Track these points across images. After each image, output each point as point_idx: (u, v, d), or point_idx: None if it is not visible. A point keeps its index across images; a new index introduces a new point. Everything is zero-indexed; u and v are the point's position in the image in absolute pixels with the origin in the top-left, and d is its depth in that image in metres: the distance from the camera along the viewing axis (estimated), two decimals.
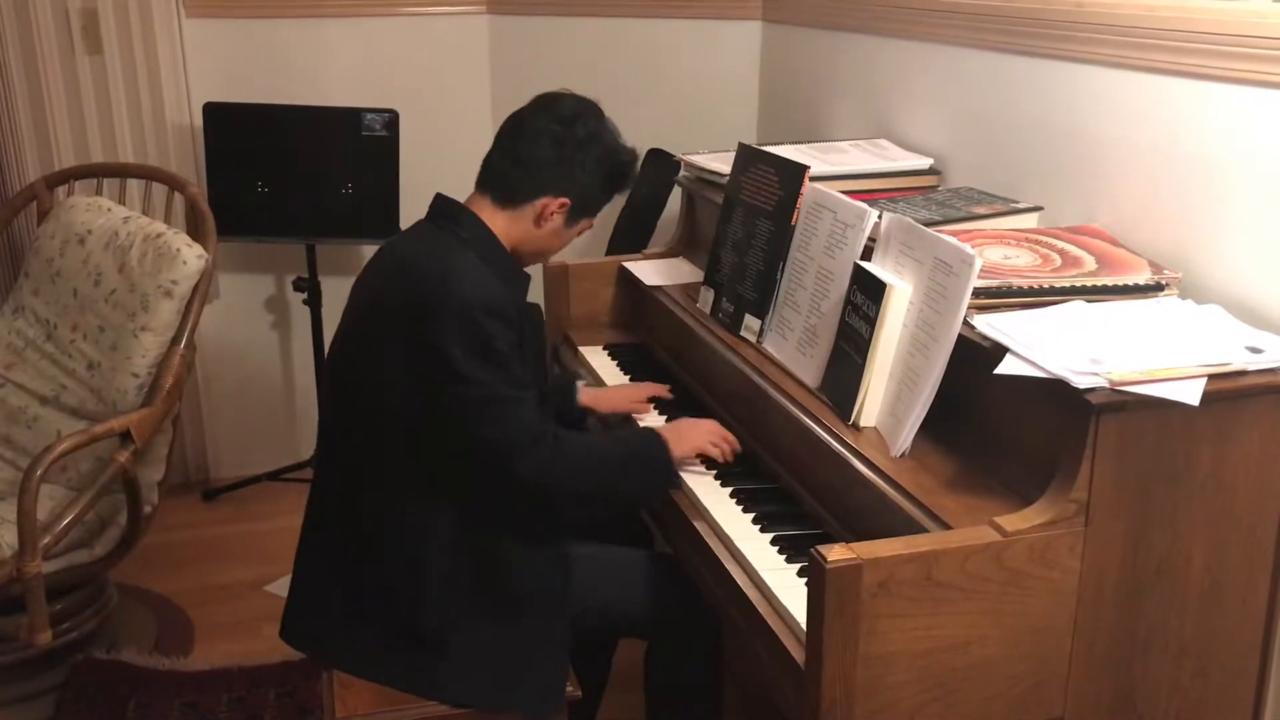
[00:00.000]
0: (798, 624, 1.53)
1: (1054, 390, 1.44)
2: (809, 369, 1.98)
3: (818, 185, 2.10)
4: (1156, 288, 1.70)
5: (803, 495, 1.90)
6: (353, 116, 3.33)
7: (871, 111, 2.67)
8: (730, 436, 2.02)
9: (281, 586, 3.03)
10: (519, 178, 1.93)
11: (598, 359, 2.57)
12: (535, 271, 2.59)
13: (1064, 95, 2.01)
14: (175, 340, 2.59)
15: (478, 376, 1.76)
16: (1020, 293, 1.68)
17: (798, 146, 2.48)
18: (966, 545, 1.41)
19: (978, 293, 1.64)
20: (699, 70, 3.32)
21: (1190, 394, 1.41)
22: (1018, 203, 2.06)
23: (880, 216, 1.90)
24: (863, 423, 1.79)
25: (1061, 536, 1.44)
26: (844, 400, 1.83)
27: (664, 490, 1.96)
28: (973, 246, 1.66)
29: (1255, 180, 1.64)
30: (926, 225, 1.80)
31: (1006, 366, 1.48)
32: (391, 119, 3.33)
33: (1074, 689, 1.52)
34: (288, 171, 3.37)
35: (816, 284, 2.01)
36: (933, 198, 2.15)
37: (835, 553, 1.36)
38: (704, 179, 2.57)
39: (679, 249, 2.77)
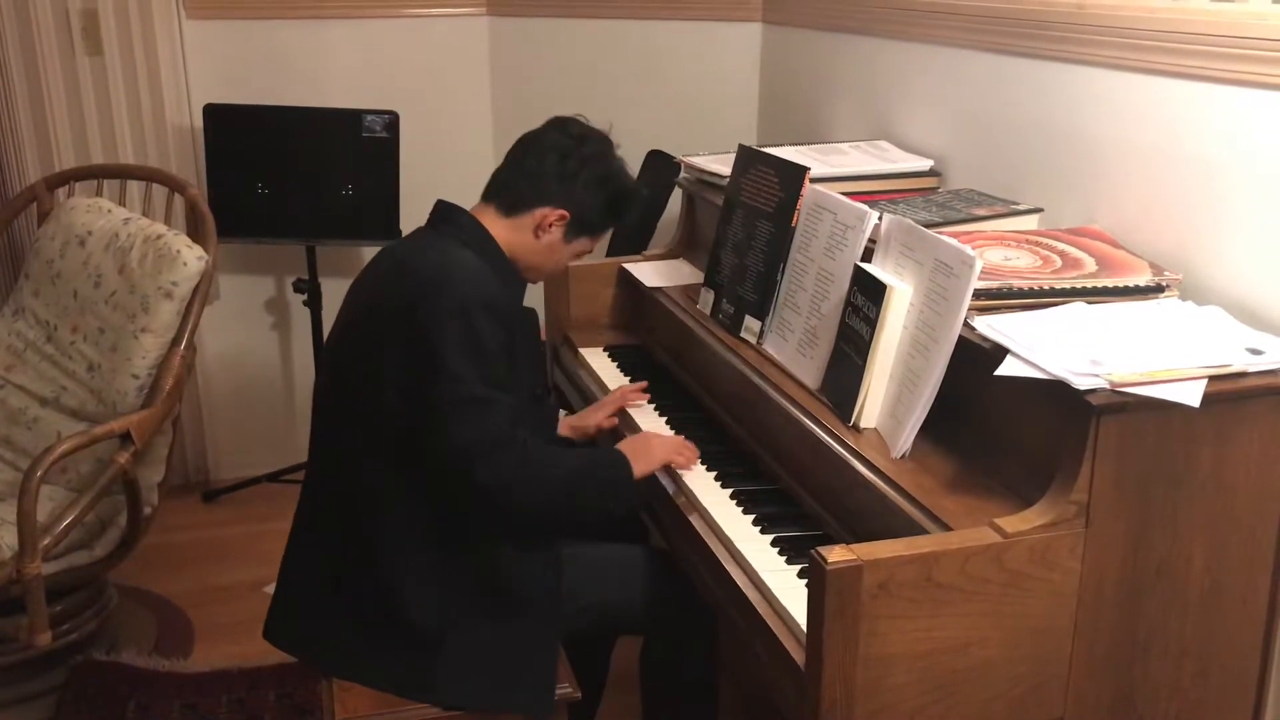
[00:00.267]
0: (798, 625, 1.53)
1: (1054, 391, 1.44)
2: (809, 370, 1.98)
3: (818, 187, 2.10)
4: (1157, 289, 1.70)
5: (803, 496, 1.90)
6: (353, 118, 3.34)
7: (872, 113, 2.67)
8: (691, 445, 2.04)
9: None
10: (522, 187, 1.98)
11: (598, 360, 2.57)
12: None
13: (1064, 97, 2.01)
14: (175, 341, 2.59)
15: (460, 372, 1.77)
16: (1020, 294, 1.68)
17: (798, 148, 2.48)
18: (967, 546, 1.41)
19: (978, 294, 1.64)
20: (699, 72, 3.32)
21: (1190, 395, 1.41)
22: (1018, 204, 2.06)
23: (880, 218, 1.90)
24: (863, 424, 1.79)
25: (1062, 538, 1.44)
26: (844, 401, 1.83)
27: (624, 508, 1.99)
28: (973, 248, 1.66)
29: (1255, 182, 1.64)
30: (927, 227, 1.80)
31: (1007, 368, 1.48)
32: (392, 120, 3.33)
33: (1074, 690, 1.52)
34: (288, 173, 3.37)
35: (817, 285, 2.01)
36: (933, 199, 2.15)
37: (836, 554, 1.36)
38: (704, 180, 2.57)
39: (679, 250, 2.77)
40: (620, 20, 3.40)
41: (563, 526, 1.98)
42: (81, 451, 2.46)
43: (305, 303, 3.46)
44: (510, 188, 1.98)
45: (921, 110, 2.48)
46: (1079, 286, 1.68)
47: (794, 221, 2.10)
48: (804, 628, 1.47)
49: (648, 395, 2.31)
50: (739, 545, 1.76)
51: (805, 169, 2.11)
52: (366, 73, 3.53)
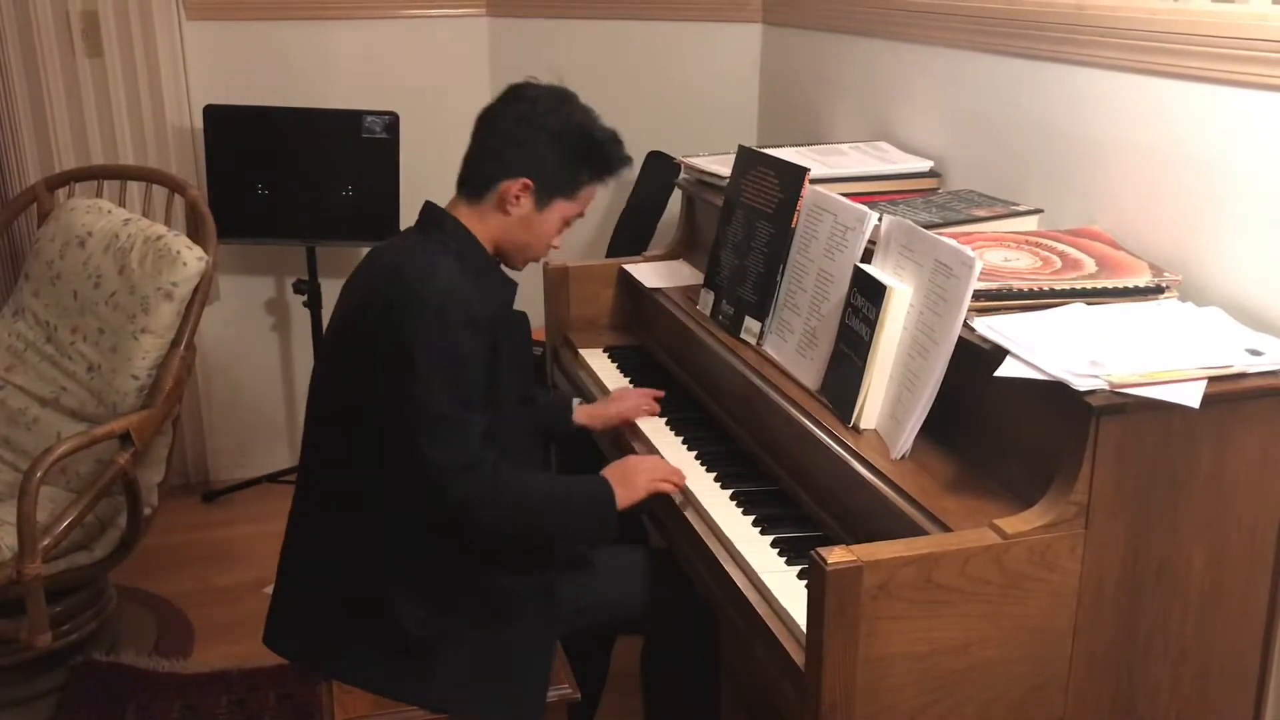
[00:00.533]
0: (798, 626, 1.53)
1: (1054, 392, 1.44)
2: (809, 371, 1.98)
3: (818, 188, 2.10)
4: (1157, 290, 1.70)
5: (803, 497, 1.90)
6: (353, 119, 3.34)
7: (871, 114, 2.67)
8: (678, 470, 1.98)
9: None
10: (481, 166, 1.92)
11: (598, 361, 2.57)
12: (535, 275, 2.60)
13: (1064, 98, 2.01)
14: (175, 342, 2.59)
15: (431, 388, 1.74)
16: (1020, 295, 1.68)
17: (798, 149, 2.48)
18: (967, 547, 1.41)
19: (978, 295, 1.64)
20: (699, 72, 3.32)
21: (1190, 396, 1.41)
22: (1018, 205, 2.06)
23: (880, 219, 1.90)
24: (863, 425, 1.79)
25: (1062, 539, 1.44)
26: (844, 402, 1.83)
27: (604, 539, 1.95)
28: (973, 249, 1.66)
29: (1255, 183, 1.64)
30: (927, 228, 1.80)
31: (1007, 369, 1.48)
32: (392, 121, 3.33)
33: (1074, 691, 1.52)
34: (288, 174, 3.37)
35: (816, 286, 2.01)
36: (933, 200, 2.15)
37: (835, 555, 1.36)
38: (704, 181, 2.57)
39: (679, 251, 2.77)
40: (620, 20, 3.40)
41: (539, 551, 1.92)
42: (81, 452, 2.46)
43: (305, 303, 3.47)
44: (473, 171, 1.93)
45: (921, 111, 2.48)
46: (1079, 287, 1.69)
47: (794, 222, 2.10)
48: (804, 628, 1.47)
49: (659, 408, 2.28)
50: (739, 546, 1.76)
51: (805, 170, 2.11)
52: (366, 73, 3.53)
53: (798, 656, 1.50)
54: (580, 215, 2.00)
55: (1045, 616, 1.47)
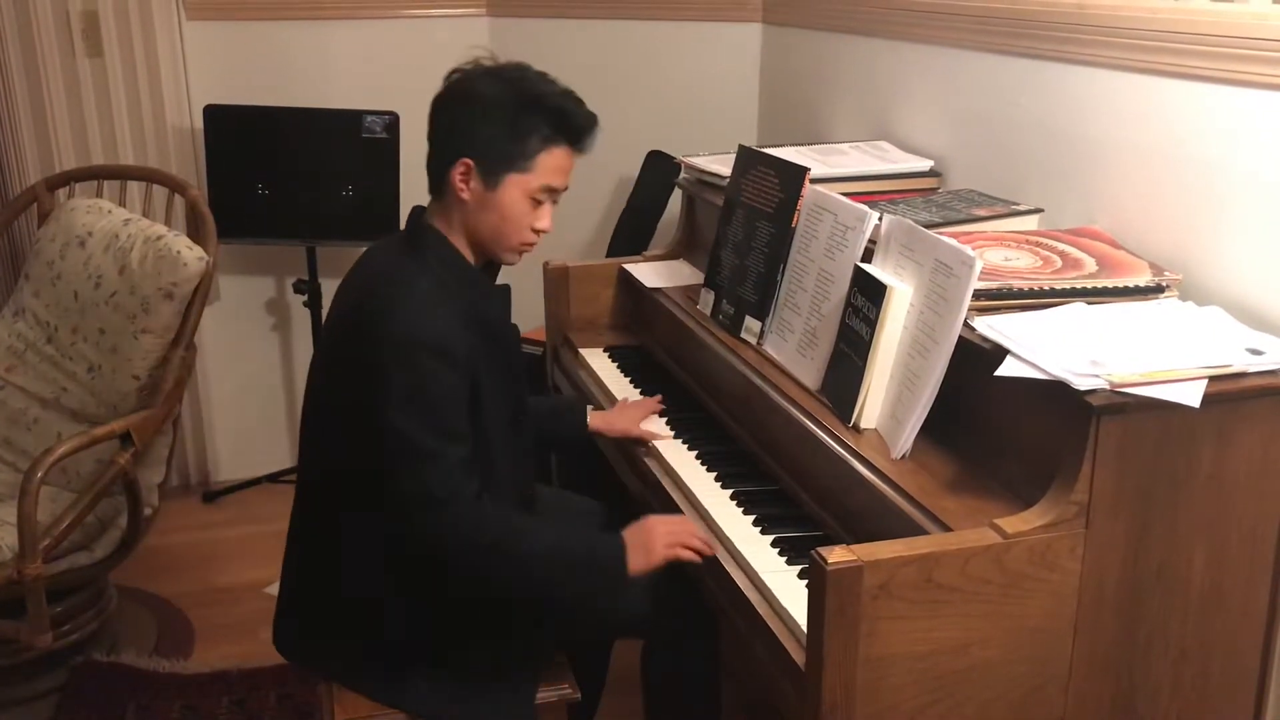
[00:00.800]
0: (798, 626, 1.53)
1: (1054, 392, 1.44)
2: (809, 371, 1.98)
3: (818, 187, 2.10)
4: (1157, 289, 1.70)
5: (803, 497, 1.90)
6: (353, 119, 3.34)
7: (872, 113, 2.67)
8: (701, 536, 1.80)
9: None
10: (431, 162, 1.83)
11: (598, 361, 2.57)
12: (535, 274, 2.60)
13: (1064, 97, 2.01)
14: (176, 342, 2.59)
15: (402, 423, 1.67)
16: (1021, 295, 1.67)
17: (798, 148, 2.48)
18: (967, 547, 1.41)
19: (978, 295, 1.64)
20: (699, 72, 3.32)
21: (1191, 396, 1.41)
22: (1018, 205, 2.06)
23: (880, 218, 1.90)
24: (863, 425, 1.79)
25: (1062, 538, 1.44)
26: (844, 402, 1.83)
27: (609, 604, 1.84)
28: (973, 248, 1.66)
29: (1256, 182, 1.64)
30: (927, 227, 1.80)
31: (1007, 368, 1.48)
32: (392, 121, 3.33)
33: (1075, 691, 1.52)
34: (288, 174, 3.37)
35: (817, 286, 2.01)
36: (933, 200, 2.15)
37: (836, 555, 1.36)
38: (704, 181, 2.57)
39: (679, 251, 2.77)
40: (620, 20, 3.40)
41: (528, 600, 1.82)
42: (82, 452, 2.46)
43: (305, 303, 3.47)
44: (429, 171, 1.84)
45: (922, 111, 2.48)
46: (1079, 287, 1.68)
47: (794, 222, 2.10)
48: (804, 628, 1.47)
49: (659, 409, 2.27)
50: (739, 546, 1.76)
51: (805, 169, 2.11)
52: (366, 73, 3.53)
53: (798, 656, 1.50)
54: (554, 190, 1.82)
55: (1045, 616, 1.47)
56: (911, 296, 1.75)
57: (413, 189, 3.34)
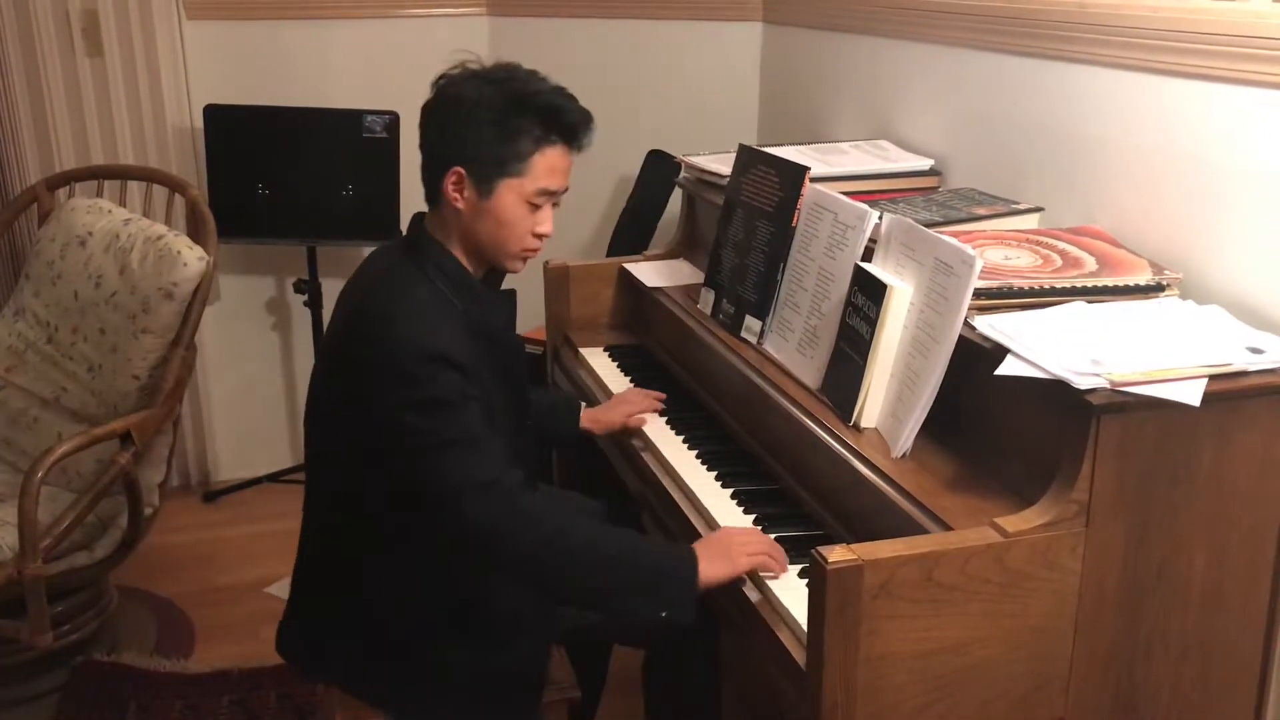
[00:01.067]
0: (799, 625, 1.53)
1: (1055, 391, 1.44)
2: (810, 370, 1.97)
3: (818, 186, 2.10)
4: (1157, 288, 1.70)
5: (803, 496, 1.90)
6: (353, 118, 3.34)
7: (872, 112, 2.67)
8: (778, 547, 1.69)
9: (282, 588, 3.03)
10: (424, 173, 1.79)
11: (598, 360, 2.57)
12: (535, 274, 2.59)
13: (1065, 96, 2.01)
14: (176, 342, 2.59)
15: (422, 426, 1.62)
16: (1021, 293, 1.67)
17: (798, 148, 2.47)
18: (967, 546, 1.41)
19: (978, 293, 1.64)
20: (699, 71, 3.32)
21: (1191, 394, 1.41)
22: (1018, 204, 2.06)
23: (881, 217, 1.90)
24: (863, 424, 1.79)
25: (1062, 537, 1.44)
26: (845, 401, 1.83)
27: (679, 617, 1.65)
28: (973, 247, 1.65)
29: (1256, 181, 1.64)
30: (927, 226, 1.80)
31: (1007, 367, 1.48)
32: (392, 121, 3.33)
33: (1075, 690, 1.52)
34: (288, 173, 3.37)
35: (817, 285, 2.01)
36: (933, 199, 2.15)
37: (836, 554, 1.36)
38: (704, 180, 2.57)
39: (679, 250, 2.77)
40: (620, 20, 3.40)
41: (582, 601, 1.76)
42: (82, 452, 2.46)
43: (306, 303, 3.47)
44: (423, 180, 1.79)
45: (922, 110, 2.48)
46: (1079, 286, 1.68)
47: (794, 221, 2.10)
48: (805, 628, 1.47)
49: (661, 407, 2.26)
50: None
51: (805, 168, 2.11)
52: (366, 73, 3.53)
53: (799, 656, 1.50)
54: (552, 193, 1.75)
55: (1046, 615, 1.47)
56: (912, 295, 1.75)
57: (413, 188, 3.31)
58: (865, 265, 1.86)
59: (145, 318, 2.56)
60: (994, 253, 1.80)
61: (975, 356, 1.58)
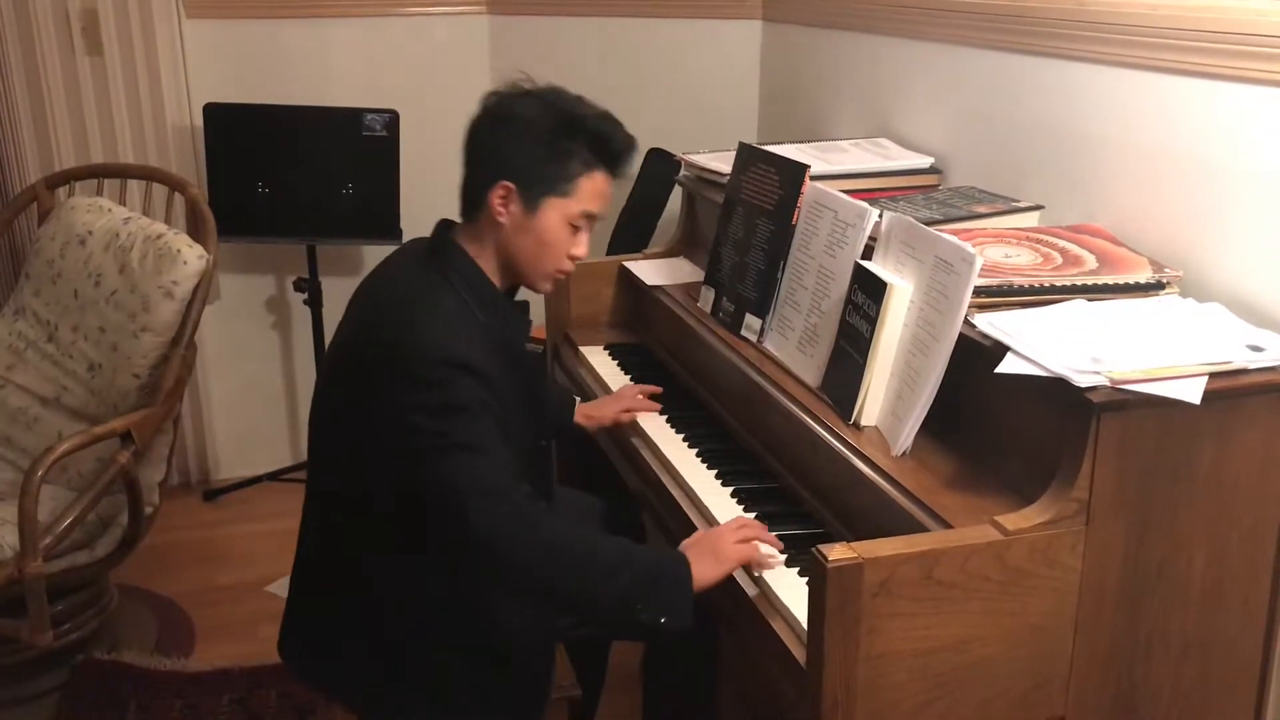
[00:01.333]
0: (799, 623, 1.53)
1: (1055, 389, 1.44)
2: (810, 368, 1.97)
3: (818, 184, 2.10)
4: (1157, 286, 1.70)
5: (803, 495, 1.90)
6: (353, 117, 3.33)
7: (872, 111, 2.67)
8: (759, 526, 1.73)
9: (282, 587, 3.03)
10: (467, 184, 1.79)
11: (598, 359, 2.57)
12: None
13: (1065, 94, 2.01)
14: (176, 341, 2.59)
15: (433, 428, 1.61)
16: (1021, 291, 1.67)
17: (798, 146, 2.47)
18: (967, 544, 1.41)
19: (978, 291, 1.64)
20: (699, 70, 3.32)
21: (1191, 393, 1.41)
22: (1018, 202, 2.06)
23: (881, 216, 1.90)
24: (864, 422, 1.79)
25: (1062, 536, 1.44)
26: (845, 399, 1.82)
27: (676, 621, 1.64)
28: (973, 245, 1.65)
29: (1257, 179, 1.64)
30: (927, 224, 1.80)
31: (1007, 365, 1.48)
32: (392, 119, 3.33)
33: (1075, 689, 1.52)
34: (288, 172, 3.37)
35: (817, 283, 2.01)
36: (933, 197, 2.15)
37: (836, 552, 1.36)
38: (704, 178, 2.57)
39: (679, 249, 2.77)
40: (620, 19, 3.40)
41: (586, 612, 1.77)
42: (82, 451, 2.46)
43: (306, 302, 3.47)
44: (464, 192, 1.79)
45: (922, 108, 2.47)
46: (1079, 284, 1.68)
47: (794, 219, 2.10)
48: (805, 626, 1.47)
49: (659, 405, 2.26)
50: None
51: (805, 167, 2.10)
52: (366, 72, 3.53)
53: (799, 654, 1.50)
54: (593, 216, 1.80)
55: (1046, 614, 1.47)
56: (912, 293, 1.75)
57: (413, 188, 3.35)
58: (865, 263, 1.86)
59: (145, 316, 2.56)
60: (994, 251, 1.80)
61: (975, 354, 1.58)
